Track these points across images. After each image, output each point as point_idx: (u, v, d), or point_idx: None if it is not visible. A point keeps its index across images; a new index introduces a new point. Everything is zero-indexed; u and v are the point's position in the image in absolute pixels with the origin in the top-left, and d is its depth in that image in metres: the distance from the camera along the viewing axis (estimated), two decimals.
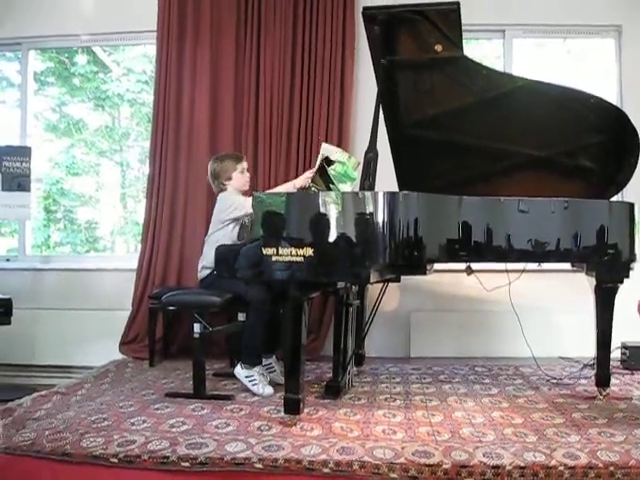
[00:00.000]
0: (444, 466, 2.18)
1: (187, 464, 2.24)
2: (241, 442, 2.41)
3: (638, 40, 4.51)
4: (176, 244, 4.46)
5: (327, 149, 3.32)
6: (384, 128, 3.31)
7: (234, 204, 3.44)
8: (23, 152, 4.50)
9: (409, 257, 2.59)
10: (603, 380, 3.13)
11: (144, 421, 2.70)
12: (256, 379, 3.20)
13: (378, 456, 2.26)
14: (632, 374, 3.71)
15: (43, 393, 3.20)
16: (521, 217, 2.89)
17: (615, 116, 3.12)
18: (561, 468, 2.16)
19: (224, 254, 2.89)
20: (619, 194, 3.40)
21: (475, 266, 3.43)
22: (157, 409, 2.92)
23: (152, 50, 4.80)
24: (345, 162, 3.20)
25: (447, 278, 4.35)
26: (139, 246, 4.63)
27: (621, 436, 2.48)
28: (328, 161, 3.22)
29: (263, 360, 3.34)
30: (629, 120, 3.08)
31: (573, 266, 3.41)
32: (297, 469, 2.20)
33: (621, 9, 4.54)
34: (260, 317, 3.22)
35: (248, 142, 4.46)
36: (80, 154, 5.80)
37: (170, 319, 4.30)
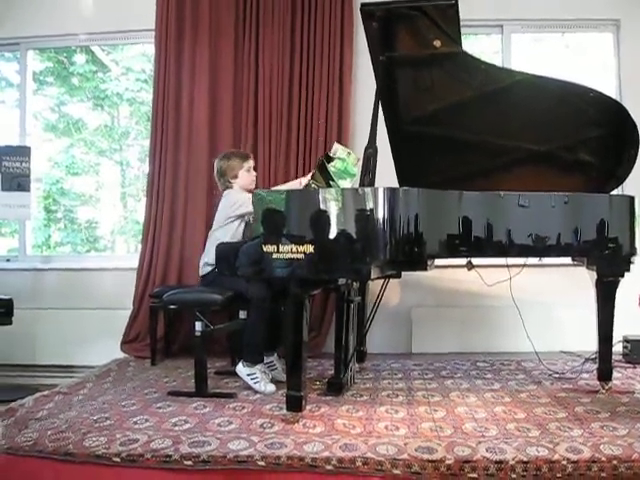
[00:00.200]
0: (447, 462, 2.18)
1: (190, 462, 2.23)
2: (243, 440, 2.40)
3: (636, 34, 4.51)
4: (176, 242, 4.46)
5: (338, 149, 3.30)
6: (383, 124, 3.31)
7: (238, 201, 3.44)
8: (22, 152, 4.49)
9: (410, 253, 2.59)
10: (605, 374, 3.13)
11: (146, 420, 2.70)
12: (258, 377, 3.20)
13: (381, 452, 2.26)
14: (634, 368, 3.71)
15: (45, 393, 3.20)
16: (521, 212, 2.89)
17: (614, 110, 3.12)
18: (564, 462, 2.16)
19: (225, 252, 2.89)
20: (619, 188, 3.40)
21: (476, 261, 3.42)
22: (159, 408, 2.92)
23: (151, 49, 4.79)
24: (345, 158, 3.19)
25: (448, 274, 4.35)
26: (139, 245, 4.63)
27: (624, 430, 2.48)
28: (328, 157, 3.21)
29: (265, 358, 3.34)
30: (628, 114, 3.08)
31: (574, 260, 3.40)
32: (300, 466, 2.20)
33: (619, 3, 4.53)
34: (261, 315, 3.22)
35: (247, 140, 4.45)
36: (80, 153, 5.80)
37: (171, 317, 4.30)
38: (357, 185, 3.08)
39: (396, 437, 2.44)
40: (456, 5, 2.86)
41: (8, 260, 4.92)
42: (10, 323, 3.80)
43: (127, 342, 4.39)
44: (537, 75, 3.11)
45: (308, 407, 2.78)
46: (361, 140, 3.67)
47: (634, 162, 3.18)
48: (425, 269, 2.92)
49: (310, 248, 2.50)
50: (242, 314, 3.50)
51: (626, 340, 3.89)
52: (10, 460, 2.33)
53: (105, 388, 3.35)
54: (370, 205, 2.52)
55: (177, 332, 4.37)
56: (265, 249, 2.55)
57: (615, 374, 3.30)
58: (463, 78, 3.16)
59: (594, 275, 3.09)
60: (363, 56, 4.04)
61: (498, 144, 3.31)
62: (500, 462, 2.17)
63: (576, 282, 3.63)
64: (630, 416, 2.69)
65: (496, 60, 4.63)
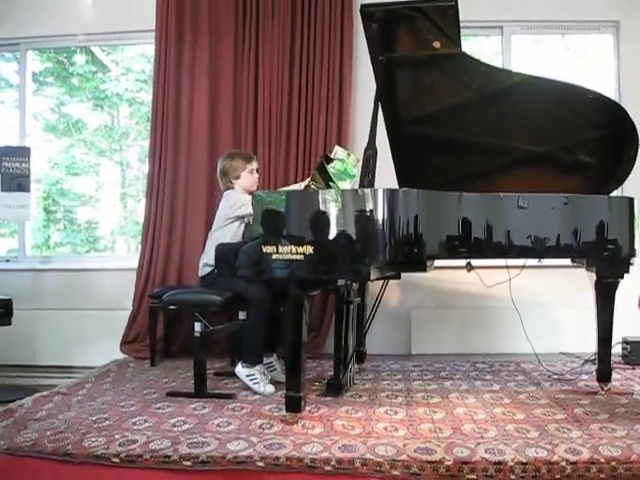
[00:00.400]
0: (446, 463, 2.18)
1: (189, 463, 2.23)
2: (243, 441, 2.40)
3: (636, 35, 4.51)
4: (176, 243, 4.46)
5: (338, 151, 3.30)
6: (383, 126, 3.31)
7: (238, 202, 3.44)
8: (22, 152, 4.49)
9: (409, 254, 2.59)
10: (604, 375, 3.13)
11: (145, 420, 2.70)
12: (257, 378, 3.19)
13: (380, 453, 2.26)
14: (633, 369, 3.71)
15: (44, 393, 3.20)
16: (521, 213, 2.89)
17: (613, 111, 3.12)
18: (563, 464, 2.16)
19: (224, 253, 2.89)
20: (619, 189, 3.40)
21: (475, 262, 3.42)
22: (158, 408, 2.91)
23: (150, 49, 4.79)
24: (344, 159, 3.18)
25: (447, 275, 4.35)
26: (139, 246, 4.63)
27: (623, 431, 2.48)
28: (327, 159, 3.21)
29: (264, 358, 3.34)
30: (627, 115, 3.08)
31: (573, 262, 3.41)
32: (299, 467, 2.20)
33: (619, 5, 4.54)
34: (261, 315, 3.22)
35: (247, 141, 4.45)
36: (79, 154, 5.80)
37: (171, 318, 4.29)
38: (357, 186, 3.08)
39: (395, 438, 2.44)
40: (456, 6, 2.86)
41: (8, 260, 4.93)
42: (9, 324, 3.80)
43: (126, 343, 4.38)
44: (536, 76, 3.11)
45: (307, 408, 2.77)
46: (361, 141, 3.67)
47: (633, 163, 3.18)
48: (425, 270, 2.93)
49: (310, 249, 2.50)
50: (241, 315, 3.50)
51: (625, 341, 3.89)
52: (9, 461, 2.33)
53: (104, 389, 3.35)
54: (370, 206, 2.52)
55: (176, 333, 4.37)
56: (265, 250, 2.55)
57: (614, 375, 3.31)
58: (463, 79, 3.17)
59: (593, 276, 3.09)
60: (363, 58, 4.05)
61: (497, 145, 3.32)
62: (499, 463, 2.17)
63: (575, 283, 3.63)
64: (629, 417, 2.69)
65: (496, 61, 4.63)
